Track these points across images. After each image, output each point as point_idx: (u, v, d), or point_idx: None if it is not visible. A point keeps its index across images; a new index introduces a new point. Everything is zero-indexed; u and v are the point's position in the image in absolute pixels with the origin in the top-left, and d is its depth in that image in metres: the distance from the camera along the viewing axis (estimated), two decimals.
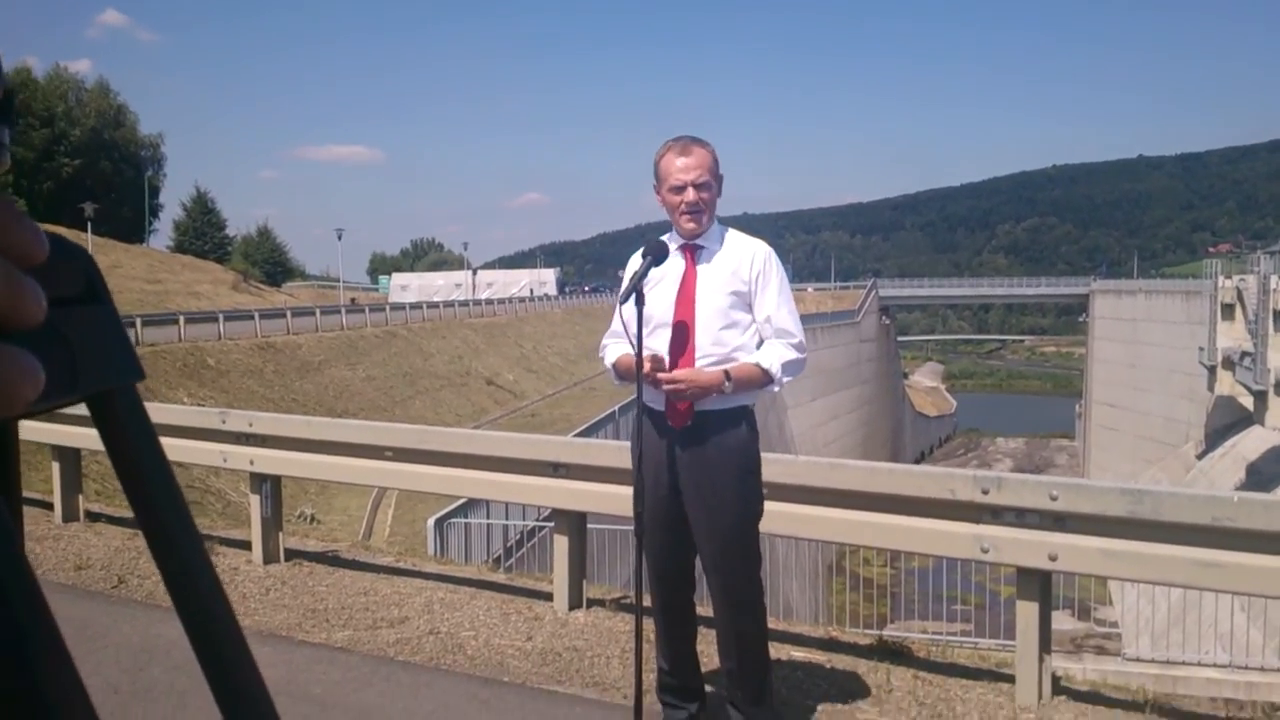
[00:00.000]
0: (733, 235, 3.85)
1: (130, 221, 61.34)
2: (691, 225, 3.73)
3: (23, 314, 0.35)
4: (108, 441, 0.44)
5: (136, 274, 43.30)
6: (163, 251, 59.14)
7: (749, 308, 3.75)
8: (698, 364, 3.66)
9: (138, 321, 26.85)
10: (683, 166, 3.69)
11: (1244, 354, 39.94)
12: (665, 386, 3.58)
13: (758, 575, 3.82)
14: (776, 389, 3.77)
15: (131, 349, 0.44)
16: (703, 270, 3.76)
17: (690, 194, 3.68)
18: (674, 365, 3.66)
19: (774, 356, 3.69)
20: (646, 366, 3.55)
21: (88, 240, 39.24)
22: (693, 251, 3.78)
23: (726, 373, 3.60)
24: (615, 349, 3.91)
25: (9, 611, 0.34)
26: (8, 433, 0.42)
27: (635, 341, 3.51)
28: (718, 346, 3.68)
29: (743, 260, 3.76)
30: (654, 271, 3.71)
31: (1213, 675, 10.73)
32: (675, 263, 3.76)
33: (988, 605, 13.03)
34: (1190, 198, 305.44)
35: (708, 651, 4.17)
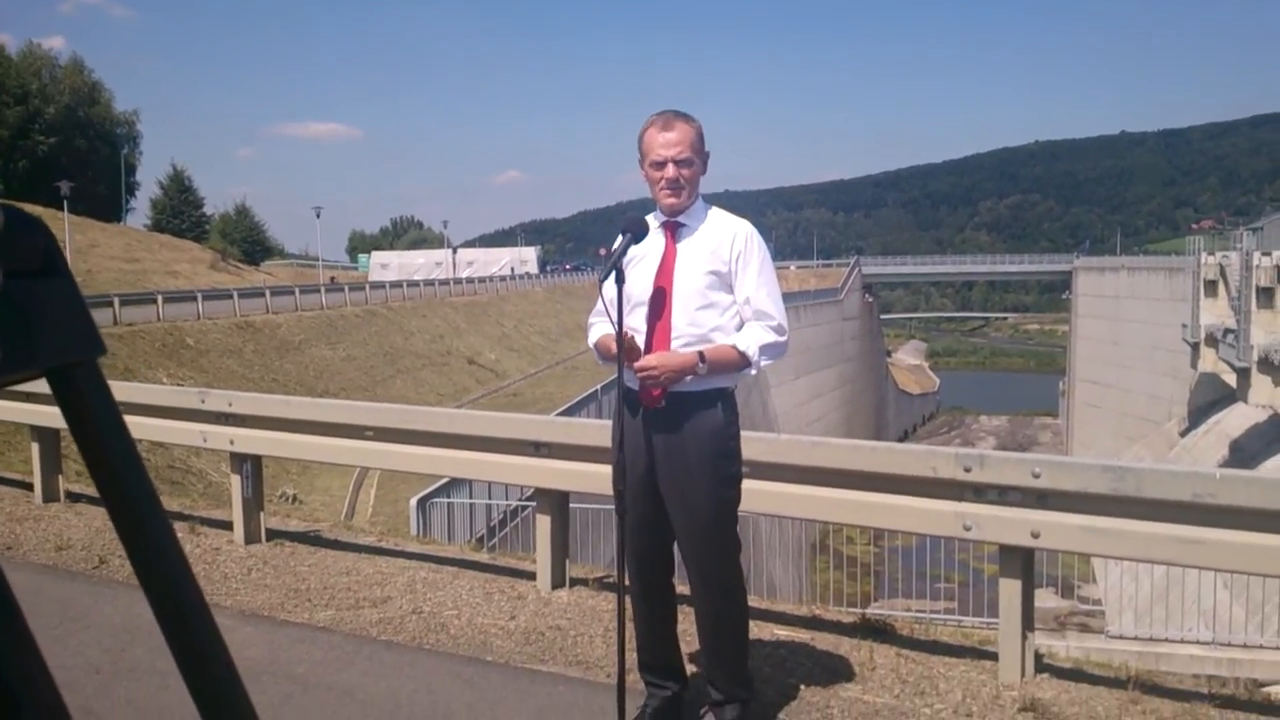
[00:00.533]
0: (715, 214, 3.80)
1: (107, 200, 60.90)
2: (671, 201, 3.69)
3: None
4: (69, 416, 0.42)
5: (114, 253, 43.03)
6: (140, 230, 58.73)
7: (729, 288, 3.69)
8: (673, 344, 3.62)
9: (115, 301, 26.62)
10: (664, 142, 3.64)
11: (1227, 331, 40.11)
12: (638, 373, 3.55)
13: (735, 559, 3.78)
14: (754, 372, 3.73)
15: (92, 322, 0.43)
16: (682, 248, 3.71)
17: (670, 170, 3.63)
18: (651, 345, 3.63)
19: (751, 339, 3.64)
20: (615, 349, 3.51)
21: (64, 219, 38.93)
22: (673, 229, 3.74)
23: (700, 354, 3.56)
24: (598, 329, 3.87)
25: None
26: None
27: (615, 320, 3.47)
28: (694, 327, 3.63)
29: (723, 239, 3.71)
30: (635, 249, 3.67)
31: (1195, 652, 10.84)
32: (656, 240, 3.71)
33: (971, 583, 13.10)
34: (1173, 174, 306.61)
35: (691, 630, 4.16)
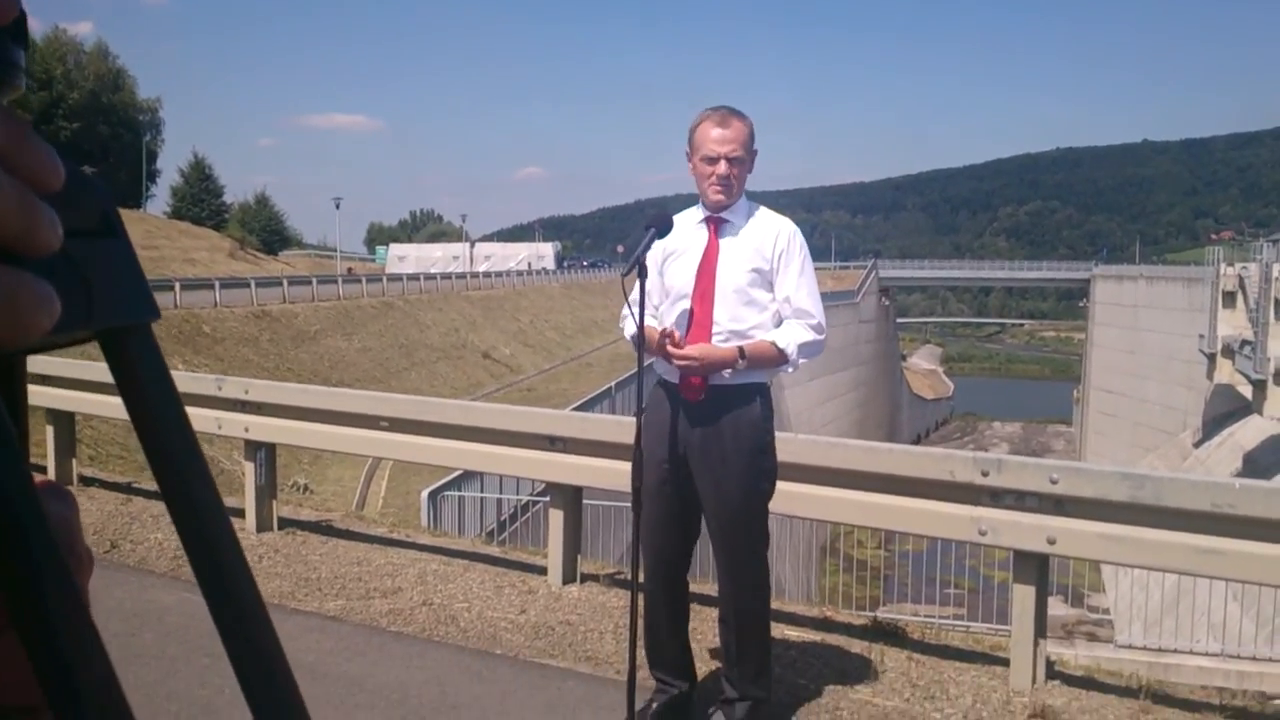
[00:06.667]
0: (760, 212, 3.80)
1: (127, 186, 61.13)
2: (720, 198, 3.69)
3: (38, 240, 0.34)
4: (120, 380, 0.41)
5: (133, 239, 41.66)
6: (160, 217, 58.94)
7: (770, 286, 3.70)
8: (713, 339, 3.63)
9: None
10: (718, 138, 3.65)
11: (1244, 342, 39.84)
12: (677, 362, 3.55)
13: (764, 554, 3.79)
14: (791, 369, 3.75)
15: (147, 286, 0.42)
16: (725, 244, 3.72)
17: (723, 167, 3.64)
18: (690, 339, 3.62)
19: (791, 336, 3.65)
20: (657, 340, 3.52)
21: None
22: (717, 225, 3.74)
23: (741, 350, 3.57)
24: (632, 323, 3.88)
25: (29, 561, 0.34)
26: (16, 367, 0.39)
27: (637, 315, 3.47)
28: (735, 323, 3.64)
29: (766, 237, 3.72)
30: (678, 242, 3.67)
31: (1204, 664, 10.77)
32: (699, 235, 3.73)
33: (981, 589, 13.05)
34: (1194, 183, 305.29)
35: (701, 629, 4.15)
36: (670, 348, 3.54)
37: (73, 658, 0.33)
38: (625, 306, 3.91)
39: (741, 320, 3.65)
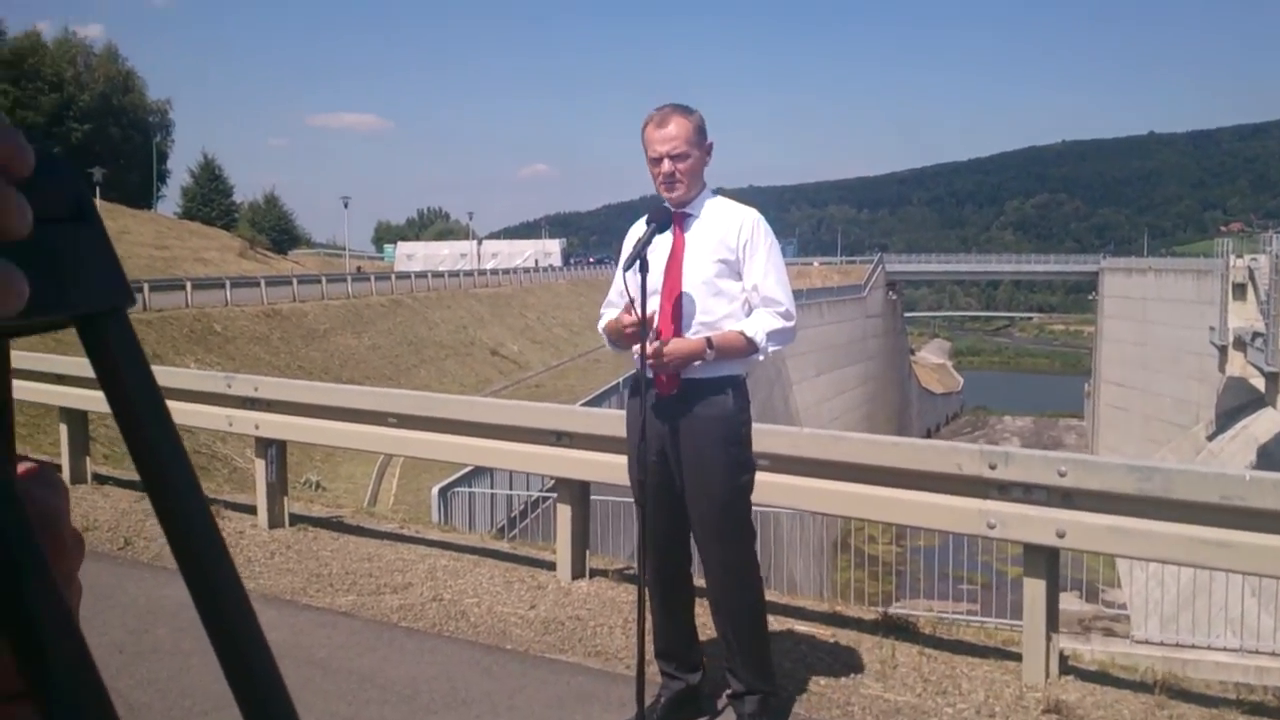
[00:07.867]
0: (720, 203, 3.83)
1: (138, 187, 61.32)
2: (668, 195, 3.74)
3: (7, 226, 0.34)
4: (97, 365, 0.41)
5: (144, 240, 43.27)
6: (170, 218, 59.08)
7: (737, 276, 3.73)
8: (685, 332, 3.65)
9: (145, 287, 26.80)
10: (660, 138, 3.69)
11: (1255, 334, 39.61)
12: (648, 359, 3.56)
13: (750, 545, 3.79)
14: (762, 358, 3.75)
15: (122, 271, 0.42)
16: (690, 238, 3.75)
17: (666, 165, 3.69)
18: (661, 334, 3.65)
19: (759, 325, 3.66)
20: (633, 332, 3.54)
21: (96, 205, 39.19)
22: (680, 219, 3.77)
23: (709, 340, 3.58)
24: (608, 316, 3.91)
25: (4, 549, 0.34)
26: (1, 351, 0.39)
27: (640, 308, 3.48)
28: (705, 315, 3.67)
29: (730, 228, 3.74)
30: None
31: (1222, 659, 10.69)
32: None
33: (994, 585, 12.99)
34: (1202, 175, 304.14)
35: (710, 622, 4.15)
36: (639, 344, 3.56)
37: (49, 645, 0.33)
38: (604, 305, 3.95)
39: (711, 312, 3.67)
